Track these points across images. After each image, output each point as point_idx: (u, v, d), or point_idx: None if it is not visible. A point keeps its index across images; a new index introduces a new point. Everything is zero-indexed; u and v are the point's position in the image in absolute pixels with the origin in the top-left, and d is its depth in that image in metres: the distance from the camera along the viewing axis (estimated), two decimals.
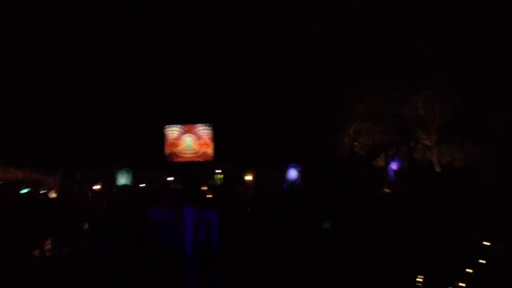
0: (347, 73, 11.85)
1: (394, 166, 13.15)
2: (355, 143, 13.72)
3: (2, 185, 13.26)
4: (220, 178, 19.33)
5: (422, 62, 10.34)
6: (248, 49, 15.70)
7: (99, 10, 15.54)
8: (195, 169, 21.17)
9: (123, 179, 19.32)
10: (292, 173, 15.34)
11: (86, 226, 8.06)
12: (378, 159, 14.18)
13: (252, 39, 15.06)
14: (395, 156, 13.71)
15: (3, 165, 13.93)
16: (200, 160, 23.06)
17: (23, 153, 14.79)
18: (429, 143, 11.78)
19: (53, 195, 12.99)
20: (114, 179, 18.73)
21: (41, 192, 13.76)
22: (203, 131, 23.43)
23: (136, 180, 18.94)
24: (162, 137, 23.49)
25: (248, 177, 17.69)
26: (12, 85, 14.71)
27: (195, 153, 23.36)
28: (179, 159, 23.30)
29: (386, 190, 10.88)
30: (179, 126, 23.64)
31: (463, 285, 4.73)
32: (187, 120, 23.42)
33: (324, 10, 11.84)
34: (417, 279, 5.29)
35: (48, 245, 9.58)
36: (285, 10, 13.22)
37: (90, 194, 10.73)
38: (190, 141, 23.44)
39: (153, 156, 21.92)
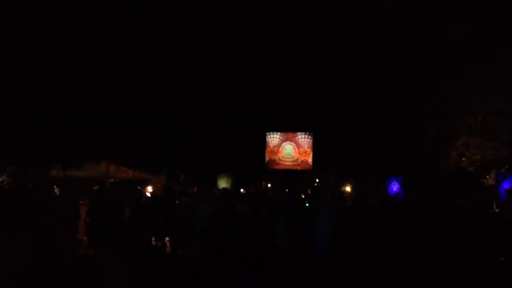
0: (458, 80, 11.21)
1: (506, 185, 12.24)
2: (463, 158, 12.95)
3: (115, 182, 14.23)
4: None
5: None
6: (350, 58, 15.48)
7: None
8: (293, 177, 21.25)
9: (223, 183, 19.89)
10: (394, 186, 14.87)
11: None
12: (488, 177, 13.27)
13: (353, 47, 14.83)
14: (507, 174, 12.76)
15: (116, 164, 14.97)
16: (299, 168, 23.08)
17: (134, 154, 15.75)
18: None
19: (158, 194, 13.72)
20: (215, 183, 19.31)
21: (150, 191, 14.66)
22: (303, 139, 23.44)
23: (235, 185, 19.41)
24: (262, 143, 23.83)
25: (347, 188, 17.48)
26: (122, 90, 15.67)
27: (295, 161, 23.42)
28: (278, 167, 23.49)
29: (497, 210, 10.20)
30: (279, 133, 23.86)
31: None
32: (288, 127, 23.58)
33: (432, 11, 11.32)
34: None
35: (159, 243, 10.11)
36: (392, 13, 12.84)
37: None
38: (290, 149, 23.56)
39: (253, 162, 22.30)
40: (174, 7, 15.29)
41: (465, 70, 11.13)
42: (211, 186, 11.28)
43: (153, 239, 10.74)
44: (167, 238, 10.23)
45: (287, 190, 13.66)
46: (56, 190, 12.29)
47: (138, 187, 13.29)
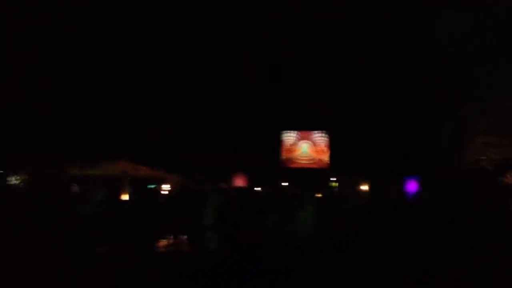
0: (474, 79, 11.02)
1: None
2: (482, 157, 12.76)
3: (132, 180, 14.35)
4: (334, 186, 19.13)
5: None
6: (367, 57, 15.42)
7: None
8: (309, 176, 21.16)
9: (239, 182, 19.91)
10: (411, 186, 14.68)
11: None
12: (508, 176, 13.07)
13: (372, 47, 14.80)
14: None
15: (133, 163, 15.06)
16: (315, 167, 22.99)
17: (151, 153, 15.84)
18: None
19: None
20: (231, 181, 19.32)
21: (167, 189, 14.73)
22: (320, 138, 23.35)
23: (251, 183, 19.38)
24: (278, 142, 23.80)
25: (364, 187, 17.32)
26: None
27: (311, 160, 23.34)
28: (294, 165, 23.43)
29: None
30: (296, 132, 23.81)
31: None
32: (304, 126, 23.53)
33: (448, 14, 11.20)
34: None
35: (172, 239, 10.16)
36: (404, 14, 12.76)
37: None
38: (306, 147, 23.48)
39: (269, 161, 22.26)
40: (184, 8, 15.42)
41: (482, 69, 10.98)
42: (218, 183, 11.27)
43: (171, 236, 10.81)
44: (184, 236, 10.29)
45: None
46: (75, 188, 12.42)
47: (153, 186, 13.42)
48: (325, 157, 23.06)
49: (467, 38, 10.36)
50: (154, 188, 13.43)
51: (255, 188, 16.89)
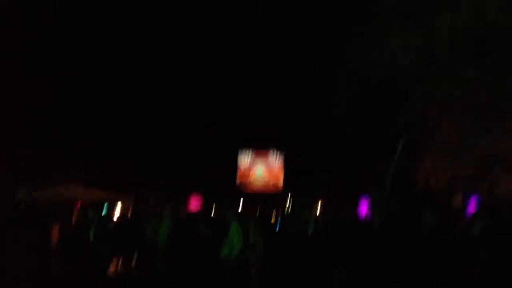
0: (423, 98, 11.31)
1: (472, 206, 12.40)
2: (430, 179, 13.13)
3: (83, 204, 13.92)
4: (288, 209, 19.19)
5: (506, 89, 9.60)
6: (322, 75, 15.70)
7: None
8: (264, 199, 21.09)
9: (194, 204, 19.60)
10: (363, 207, 14.92)
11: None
12: (456, 196, 13.49)
13: (325, 63, 15.07)
14: (473, 193, 12.96)
15: (84, 185, 14.68)
16: (269, 192, 22.85)
17: (103, 174, 15.47)
18: None
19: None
20: (185, 205, 19.00)
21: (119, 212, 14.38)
22: (275, 159, 23.26)
23: (208, 205, 19.15)
24: (233, 163, 23.60)
25: (317, 208, 17.50)
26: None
27: (265, 184, 23.16)
28: (249, 190, 23.22)
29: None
30: (251, 151, 23.62)
31: None
32: (259, 146, 23.43)
33: (404, 29, 11.49)
34: None
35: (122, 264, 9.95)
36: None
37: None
38: (262, 170, 23.34)
39: (224, 183, 22.11)
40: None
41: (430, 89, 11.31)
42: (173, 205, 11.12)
43: (120, 261, 10.58)
44: (135, 260, 10.13)
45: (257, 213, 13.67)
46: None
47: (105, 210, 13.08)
48: (279, 182, 22.96)
49: (418, 56, 10.69)
50: (107, 212, 13.09)
51: (211, 213, 16.79)
